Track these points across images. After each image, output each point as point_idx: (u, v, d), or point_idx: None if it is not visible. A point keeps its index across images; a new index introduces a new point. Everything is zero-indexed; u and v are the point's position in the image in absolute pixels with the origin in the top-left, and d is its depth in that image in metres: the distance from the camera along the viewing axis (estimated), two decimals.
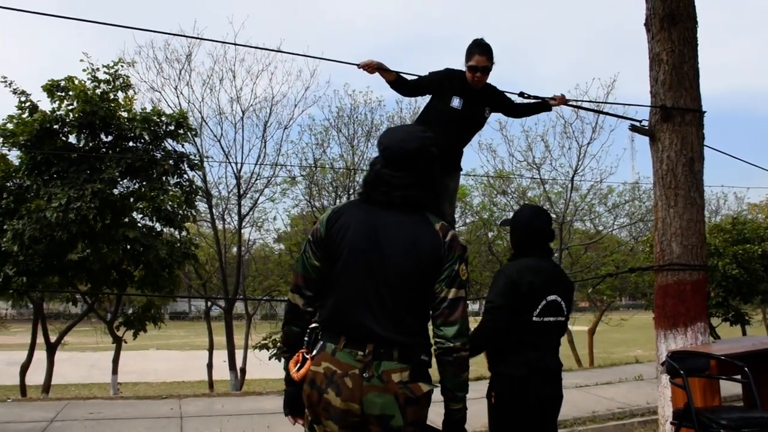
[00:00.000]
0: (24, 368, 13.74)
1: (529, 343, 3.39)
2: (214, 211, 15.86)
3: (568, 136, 15.62)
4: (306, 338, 2.53)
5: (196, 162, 12.95)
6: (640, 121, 5.95)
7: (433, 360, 2.50)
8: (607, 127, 15.81)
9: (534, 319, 3.39)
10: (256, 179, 15.68)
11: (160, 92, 15.18)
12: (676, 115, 5.66)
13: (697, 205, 5.66)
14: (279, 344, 14.43)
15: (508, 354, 3.41)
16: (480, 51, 4.40)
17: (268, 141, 15.80)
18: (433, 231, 2.48)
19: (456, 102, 4.52)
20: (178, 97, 15.25)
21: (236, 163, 15.17)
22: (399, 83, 4.62)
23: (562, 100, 5.00)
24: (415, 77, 4.69)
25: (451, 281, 2.43)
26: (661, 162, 5.73)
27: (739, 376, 4.58)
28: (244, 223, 16.68)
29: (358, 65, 4.60)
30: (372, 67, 4.54)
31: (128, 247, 11.77)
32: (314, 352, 2.45)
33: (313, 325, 2.54)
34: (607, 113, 5.50)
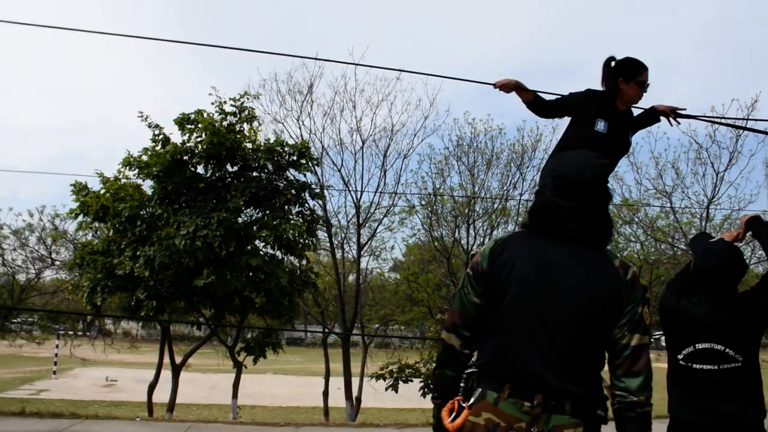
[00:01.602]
0: (151, 387, 14.37)
1: (684, 385, 3.18)
2: (333, 240, 15.99)
3: (702, 161, 14.45)
4: (462, 384, 2.25)
5: (317, 191, 13.10)
6: None
7: None
8: (746, 151, 14.52)
9: (680, 362, 3.18)
10: (375, 209, 15.69)
11: (282, 123, 15.56)
12: None
13: None
14: (431, 386, 14.25)
15: (671, 395, 3.24)
16: (647, 68, 4.04)
17: (388, 170, 15.78)
18: (613, 268, 2.18)
19: (601, 125, 4.12)
20: (300, 128, 15.58)
21: (355, 192, 15.25)
22: (537, 103, 4.29)
23: (670, 109, 4.35)
24: (556, 97, 4.34)
25: (634, 326, 2.14)
26: None
27: None
28: (362, 252, 16.71)
29: (494, 84, 4.32)
30: (509, 86, 4.25)
31: (251, 274, 12.02)
32: (472, 401, 2.17)
33: (470, 369, 2.26)
34: (752, 129, 4.90)
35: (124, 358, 29.19)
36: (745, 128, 5.32)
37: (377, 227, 16.41)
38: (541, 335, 2.10)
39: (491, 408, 2.10)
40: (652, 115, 4.43)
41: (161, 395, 14.91)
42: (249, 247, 12.31)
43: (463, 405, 2.18)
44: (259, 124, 12.70)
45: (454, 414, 2.19)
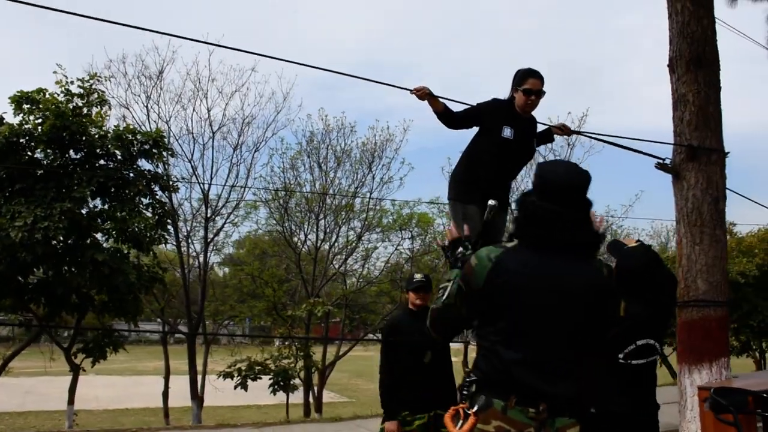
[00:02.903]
0: None
1: (624, 380, 3.38)
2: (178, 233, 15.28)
3: None
4: (465, 391, 2.32)
5: (169, 183, 12.42)
6: (663, 159, 6.01)
7: None
8: (575, 159, 16.40)
9: (620, 360, 3.39)
10: (225, 203, 15.26)
11: (128, 109, 14.60)
12: (702, 154, 5.74)
13: (721, 243, 5.74)
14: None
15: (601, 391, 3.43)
16: (534, 75, 4.27)
17: (238, 163, 15.44)
18: (601, 273, 2.33)
19: (507, 132, 4.32)
20: (147, 114, 14.72)
21: (203, 184, 14.70)
22: (446, 114, 4.42)
23: (561, 125, 4.80)
24: (464, 108, 4.56)
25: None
26: (687, 200, 5.79)
27: None
28: (202, 249, 16.18)
29: (410, 90, 4.41)
30: (424, 95, 4.36)
31: (94, 270, 11.10)
32: (476, 408, 2.22)
33: (472, 378, 2.32)
34: (627, 147, 5.55)
35: None
36: (623, 147, 5.93)
37: (225, 222, 16.01)
38: (546, 348, 2.20)
39: (500, 416, 2.17)
40: (547, 133, 4.80)
41: None
42: (89, 241, 11.38)
43: (468, 412, 2.23)
44: (110, 109, 11.80)
45: (461, 421, 2.24)
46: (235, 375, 14.00)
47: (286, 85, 24.28)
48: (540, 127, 4.75)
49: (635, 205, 18.55)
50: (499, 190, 4.51)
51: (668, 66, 6.09)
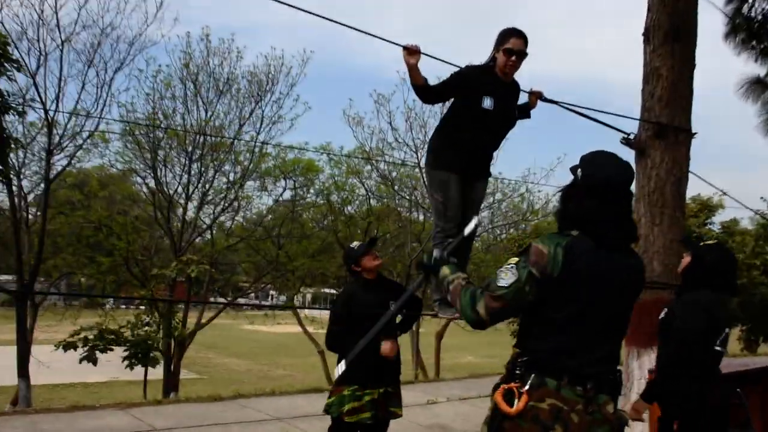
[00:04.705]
0: None
1: (711, 372, 4.39)
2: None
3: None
4: (517, 371, 2.90)
5: (12, 105, 11.84)
6: (629, 134, 6.71)
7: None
8: None
9: (716, 349, 4.32)
10: (75, 134, 14.62)
11: None
12: (670, 133, 6.51)
13: (679, 225, 6.60)
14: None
15: (696, 388, 4.34)
16: (517, 35, 4.77)
17: (98, 86, 14.87)
18: (641, 265, 3.09)
19: (487, 102, 4.78)
20: None
21: (49, 110, 13.96)
22: (425, 88, 4.79)
23: (537, 97, 5.25)
24: (440, 82, 4.91)
25: None
26: (650, 179, 6.54)
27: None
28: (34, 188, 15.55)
29: (404, 47, 4.65)
30: (411, 62, 4.58)
31: None
32: (528, 387, 2.83)
33: (524, 358, 2.91)
34: (595, 119, 6.12)
35: None
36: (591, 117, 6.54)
37: (72, 157, 15.40)
38: (601, 338, 2.90)
39: (554, 394, 2.80)
40: (525, 108, 5.23)
41: None
42: None
43: (521, 391, 2.82)
44: None
45: (516, 400, 2.81)
46: (80, 345, 13.75)
47: None
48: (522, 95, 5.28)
49: (557, 169, 19.78)
50: (478, 160, 5.07)
51: (643, 35, 6.74)
